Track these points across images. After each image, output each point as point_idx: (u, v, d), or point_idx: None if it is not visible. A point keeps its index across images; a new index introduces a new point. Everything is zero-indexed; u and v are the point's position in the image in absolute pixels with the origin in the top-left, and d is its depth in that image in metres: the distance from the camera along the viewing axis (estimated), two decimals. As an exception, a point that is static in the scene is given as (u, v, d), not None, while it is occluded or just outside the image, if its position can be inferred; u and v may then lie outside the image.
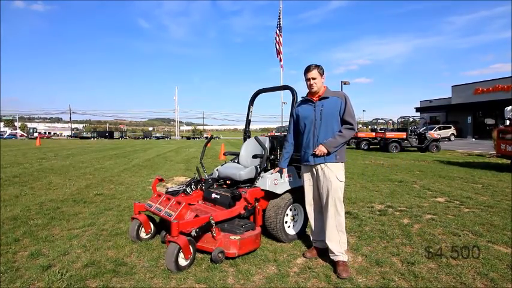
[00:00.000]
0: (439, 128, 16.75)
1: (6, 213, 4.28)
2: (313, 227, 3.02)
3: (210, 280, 2.47)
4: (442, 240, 3.35)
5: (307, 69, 2.79)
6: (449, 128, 16.25)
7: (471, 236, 3.47)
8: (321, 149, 2.70)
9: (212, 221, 2.81)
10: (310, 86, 2.81)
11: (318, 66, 2.79)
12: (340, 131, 2.73)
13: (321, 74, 2.79)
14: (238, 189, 3.26)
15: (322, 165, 2.75)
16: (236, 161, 4.05)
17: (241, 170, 3.51)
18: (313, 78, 2.77)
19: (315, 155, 2.75)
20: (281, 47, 19.83)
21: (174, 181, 7.32)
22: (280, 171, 3.20)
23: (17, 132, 58.35)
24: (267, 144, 3.62)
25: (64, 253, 2.96)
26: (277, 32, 19.73)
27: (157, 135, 77.47)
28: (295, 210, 3.40)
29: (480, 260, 2.84)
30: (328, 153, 2.71)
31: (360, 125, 58.01)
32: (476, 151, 16.20)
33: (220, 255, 2.71)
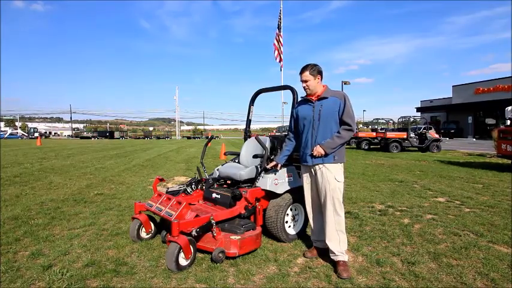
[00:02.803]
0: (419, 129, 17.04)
1: (7, 213, 4.28)
2: (313, 227, 3.01)
3: (211, 280, 2.47)
4: (442, 240, 3.35)
5: (300, 71, 2.75)
6: (430, 129, 16.25)
7: (472, 236, 3.47)
8: (318, 150, 2.68)
9: (213, 221, 2.81)
10: (303, 89, 2.80)
11: (310, 68, 2.71)
12: (338, 132, 2.70)
13: (314, 75, 2.72)
14: (238, 189, 3.25)
15: (321, 165, 2.74)
16: (236, 160, 4.05)
17: (242, 169, 3.51)
18: (305, 81, 2.73)
19: (313, 156, 2.74)
20: (281, 47, 19.80)
21: (175, 181, 7.32)
22: (275, 166, 3.16)
23: (17, 132, 58.28)
24: (268, 144, 3.62)
25: (65, 253, 2.96)
26: (278, 32, 19.70)
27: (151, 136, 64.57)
28: (295, 210, 3.40)
29: (481, 260, 2.84)
30: (326, 154, 2.69)
31: (361, 125, 57.90)
32: (477, 151, 16.19)
33: (220, 255, 2.71)
